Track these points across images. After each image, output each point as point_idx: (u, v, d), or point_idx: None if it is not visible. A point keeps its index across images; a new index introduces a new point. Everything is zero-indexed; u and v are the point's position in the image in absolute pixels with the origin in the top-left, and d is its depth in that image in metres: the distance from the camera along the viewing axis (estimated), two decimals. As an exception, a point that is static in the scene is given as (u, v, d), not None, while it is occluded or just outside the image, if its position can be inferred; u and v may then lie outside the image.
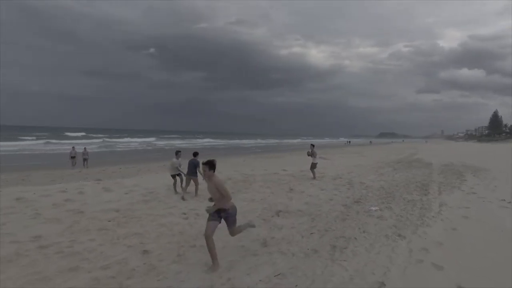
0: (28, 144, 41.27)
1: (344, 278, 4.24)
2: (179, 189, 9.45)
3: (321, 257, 4.90)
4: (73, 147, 20.45)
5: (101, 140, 54.79)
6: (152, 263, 4.67)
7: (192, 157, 9.28)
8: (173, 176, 9.55)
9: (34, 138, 51.55)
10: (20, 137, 50.08)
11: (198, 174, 8.92)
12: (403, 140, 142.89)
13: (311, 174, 12.78)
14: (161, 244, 5.40)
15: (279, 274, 4.32)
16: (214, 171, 4.58)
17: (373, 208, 7.95)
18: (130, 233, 5.87)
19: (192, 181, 9.26)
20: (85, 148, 21.12)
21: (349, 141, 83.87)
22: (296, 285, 4.04)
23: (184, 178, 9.50)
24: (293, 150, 40.69)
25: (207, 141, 70.14)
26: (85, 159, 19.75)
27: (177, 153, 9.81)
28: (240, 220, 5.18)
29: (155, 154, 32.51)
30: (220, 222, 4.64)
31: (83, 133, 70.21)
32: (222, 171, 13.93)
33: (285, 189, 10.24)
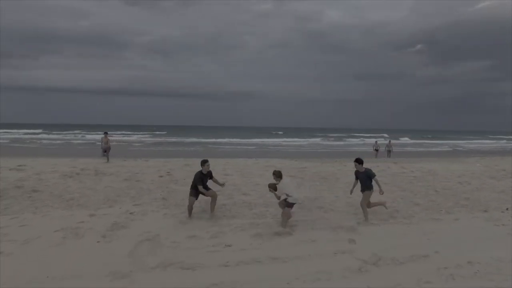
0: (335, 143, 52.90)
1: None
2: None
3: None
4: (376, 141, 25.20)
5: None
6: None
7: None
8: None
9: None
10: (316, 135, 66.09)
11: None
12: None
13: None
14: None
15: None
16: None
17: None
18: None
19: None
20: (389, 141, 24.85)
21: None
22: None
23: None
24: None
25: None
26: (389, 151, 22.68)
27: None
28: None
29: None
30: None
31: (372, 134, 75.87)
32: None
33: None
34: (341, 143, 50.41)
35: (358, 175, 7.39)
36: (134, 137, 51.96)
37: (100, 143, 16.57)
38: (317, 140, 54.43)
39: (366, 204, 7.17)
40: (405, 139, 59.15)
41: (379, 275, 4.54)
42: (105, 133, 16.70)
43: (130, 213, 7.36)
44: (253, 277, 4.45)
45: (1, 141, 38.20)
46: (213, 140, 47.56)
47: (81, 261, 4.86)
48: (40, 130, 62.70)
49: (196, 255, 5.11)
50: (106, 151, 16.05)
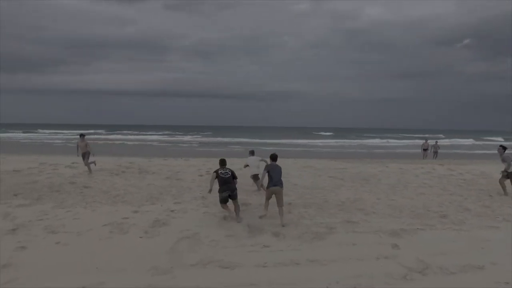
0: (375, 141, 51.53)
1: None
2: None
3: None
4: (426, 140, 23.54)
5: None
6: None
7: None
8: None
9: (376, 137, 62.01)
10: (364, 136, 64.01)
11: None
12: None
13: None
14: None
15: None
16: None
17: None
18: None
19: None
20: (436, 141, 23.27)
21: None
22: None
23: None
24: None
25: None
26: (435, 152, 21.76)
27: None
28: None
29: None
30: None
31: (423, 135, 70.50)
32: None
33: None
34: (385, 143, 48.60)
35: None
36: (175, 137, 53.76)
37: (76, 148, 12.97)
38: (358, 141, 52.88)
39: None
40: (469, 141, 54.94)
41: (426, 285, 4.27)
42: (81, 135, 13.10)
43: (171, 211, 7.58)
44: (291, 279, 4.38)
45: (57, 141, 41.26)
46: (253, 140, 47.87)
47: (126, 255, 5.08)
48: (91, 131, 66.98)
49: (234, 254, 5.14)
50: (84, 157, 12.54)
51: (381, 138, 59.65)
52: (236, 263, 4.82)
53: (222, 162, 7.34)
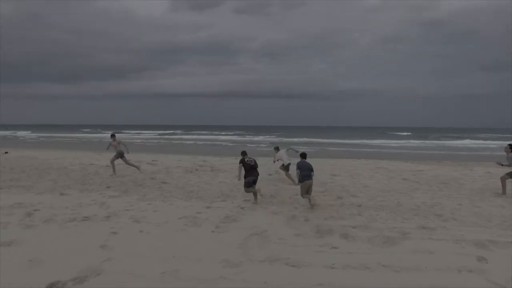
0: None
1: None
2: None
3: None
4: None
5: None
6: None
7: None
8: None
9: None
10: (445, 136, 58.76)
11: None
12: None
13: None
14: None
15: None
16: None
17: None
18: None
19: None
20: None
21: None
22: None
23: None
24: None
25: None
26: None
27: None
28: None
29: None
30: None
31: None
32: None
33: None
34: (469, 144, 43.82)
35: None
36: (246, 138, 55.37)
37: (109, 147, 12.46)
38: (437, 141, 48.49)
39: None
40: None
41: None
42: (112, 135, 12.45)
43: (241, 208, 7.88)
44: (361, 283, 4.26)
45: (138, 140, 45.52)
46: (324, 140, 47.04)
47: (199, 247, 5.44)
48: (170, 131, 72.56)
49: (302, 254, 5.16)
50: (117, 157, 12.07)
51: (471, 138, 53.65)
52: (303, 262, 4.84)
53: (244, 153, 8.70)
